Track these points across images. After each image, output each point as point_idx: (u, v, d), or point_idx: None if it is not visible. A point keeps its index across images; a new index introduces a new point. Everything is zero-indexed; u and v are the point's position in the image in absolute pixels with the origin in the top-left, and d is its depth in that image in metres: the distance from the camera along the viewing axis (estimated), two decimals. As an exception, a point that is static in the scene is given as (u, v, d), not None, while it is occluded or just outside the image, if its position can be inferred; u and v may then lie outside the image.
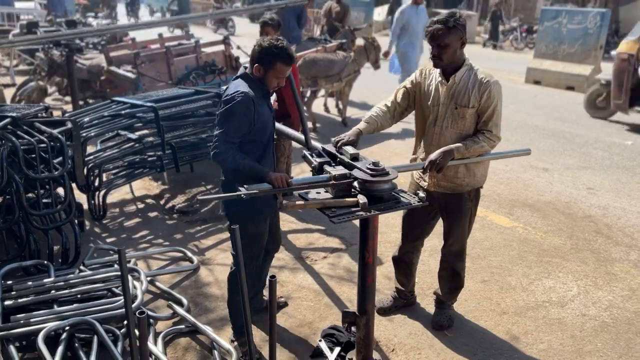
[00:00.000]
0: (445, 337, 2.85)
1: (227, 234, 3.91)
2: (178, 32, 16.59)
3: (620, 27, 17.41)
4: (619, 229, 4.23)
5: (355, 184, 2.32)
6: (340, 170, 2.39)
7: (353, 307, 2.52)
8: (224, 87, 3.05)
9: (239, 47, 6.41)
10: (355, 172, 2.31)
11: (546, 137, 6.94)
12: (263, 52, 2.49)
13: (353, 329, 2.57)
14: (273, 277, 1.73)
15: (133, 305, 2.71)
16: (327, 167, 2.50)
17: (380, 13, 23.65)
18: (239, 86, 2.50)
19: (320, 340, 2.74)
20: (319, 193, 2.36)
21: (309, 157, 2.60)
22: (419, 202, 2.33)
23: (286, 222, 4.17)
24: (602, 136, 7.03)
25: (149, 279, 3.18)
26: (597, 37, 9.97)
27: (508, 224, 4.32)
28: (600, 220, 4.39)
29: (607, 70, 10.53)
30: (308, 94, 6.95)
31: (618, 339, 2.88)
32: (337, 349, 2.65)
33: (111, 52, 6.32)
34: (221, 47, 6.43)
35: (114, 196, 4.54)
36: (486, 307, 3.15)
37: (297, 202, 2.22)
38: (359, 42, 7.44)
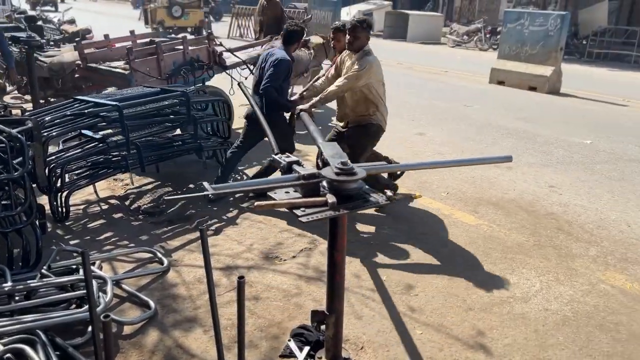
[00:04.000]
0: (413, 335, 2.89)
1: (195, 235, 3.87)
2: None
3: (579, 30, 17.99)
4: (579, 226, 4.37)
5: (324, 183, 2.33)
6: (309, 169, 2.40)
7: (322, 306, 2.53)
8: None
9: (221, 44, 6.58)
10: (324, 172, 2.32)
11: (509, 136, 7.11)
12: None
13: (322, 327, 2.58)
14: (241, 277, 1.72)
15: (97, 310, 2.65)
16: (295, 167, 2.51)
17: (348, 13, 23.78)
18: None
19: (289, 340, 2.74)
20: (288, 193, 2.37)
21: (277, 158, 2.61)
22: (386, 200, 2.36)
23: (255, 222, 4.15)
24: (563, 135, 7.25)
25: (115, 281, 3.12)
26: (557, 38, 10.28)
27: (473, 221, 4.41)
28: (561, 217, 4.52)
29: (566, 72, 10.89)
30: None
31: (579, 332, 2.97)
32: (307, 348, 2.66)
33: (85, 49, 6.17)
34: (205, 43, 6.45)
35: (77, 197, 4.43)
36: (453, 303, 3.20)
37: (266, 202, 2.22)
38: (317, 39, 7.72)
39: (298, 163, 2.52)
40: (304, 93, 4.52)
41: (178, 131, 5.18)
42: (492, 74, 11.43)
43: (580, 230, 4.29)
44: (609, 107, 9.51)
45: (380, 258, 3.71)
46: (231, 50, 6.91)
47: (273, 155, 2.61)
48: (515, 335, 2.92)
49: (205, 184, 2.15)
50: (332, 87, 4.18)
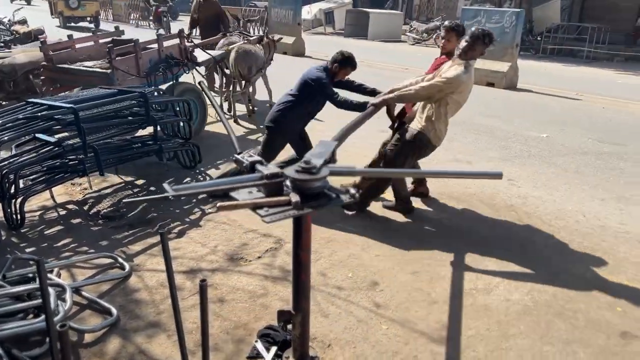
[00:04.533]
0: (379, 330, 2.91)
1: (157, 238, 3.79)
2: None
3: (534, 26, 18.50)
4: (537, 217, 4.49)
5: (287, 182, 2.32)
6: (272, 169, 2.38)
7: (289, 305, 2.52)
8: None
9: (192, 41, 6.67)
10: (287, 171, 2.31)
11: (469, 131, 7.25)
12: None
13: (289, 327, 2.57)
14: (203, 280, 1.69)
15: (55, 319, 2.57)
16: (259, 167, 2.49)
17: (309, 11, 23.78)
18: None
19: (256, 341, 2.72)
20: (251, 193, 2.34)
21: (240, 158, 2.58)
22: (350, 198, 2.36)
23: (219, 223, 4.10)
24: (521, 130, 7.44)
25: (74, 288, 3.03)
26: (513, 35, 10.53)
27: (436, 215, 4.49)
28: (520, 209, 4.64)
29: (523, 67, 11.19)
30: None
31: (539, 321, 3.06)
32: (274, 349, 2.64)
33: (51, 49, 5.98)
34: (176, 41, 6.42)
35: (32, 203, 4.28)
36: (417, 297, 3.25)
37: (229, 203, 2.18)
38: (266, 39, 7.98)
39: (261, 163, 2.49)
40: (393, 88, 4.24)
41: (143, 132, 5.07)
42: (451, 70, 11.62)
43: (539, 221, 4.42)
44: (564, 101, 9.82)
45: (346, 255, 3.72)
46: (203, 47, 6.97)
47: (235, 155, 2.58)
48: (479, 327, 2.98)
49: (166, 185, 2.11)
50: (412, 89, 3.96)
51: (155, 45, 6.08)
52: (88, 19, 22.06)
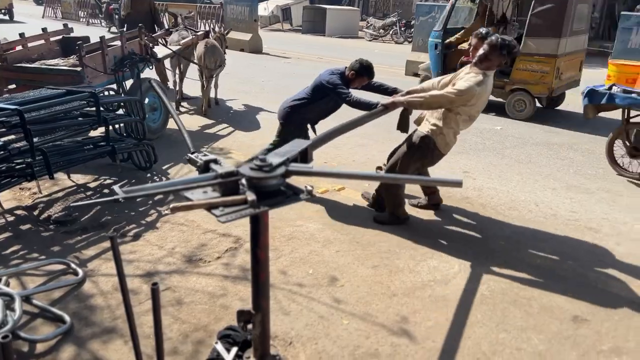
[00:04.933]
0: (340, 325, 2.92)
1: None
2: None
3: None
4: (492, 208, 4.61)
5: (243, 181, 2.29)
6: (227, 167, 2.35)
7: (249, 305, 2.50)
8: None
9: (151, 36, 6.72)
10: (242, 169, 2.28)
11: (426, 125, 7.35)
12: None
13: (249, 327, 2.55)
14: (155, 284, 1.65)
15: (4, 330, 2.47)
16: (213, 166, 2.45)
17: (266, 8, 23.63)
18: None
19: (216, 343, 2.68)
20: (206, 192, 2.30)
21: (193, 157, 2.53)
22: (307, 196, 2.36)
23: (176, 224, 4.02)
24: (475, 122, 7.59)
25: (24, 297, 2.91)
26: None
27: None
28: (476, 200, 4.75)
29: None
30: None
31: (495, 309, 3.14)
32: (234, 349, 2.61)
33: (5, 49, 5.73)
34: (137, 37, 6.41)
35: (-23, 210, 4.09)
36: (377, 291, 3.28)
37: (182, 204, 2.14)
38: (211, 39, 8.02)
39: (215, 161, 2.45)
40: (410, 90, 4.17)
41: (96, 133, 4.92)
42: (407, 66, 11.77)
43: (493, 212, 4.53)
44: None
45: (306, 252, 3.72)
46: (163, 42, 6.95)
47: (189, 154, 2.53)
48: (437, 317, 3.03)
49: (116, 187, 2.04)
50: (422, 98, 3.80)
51: (119, 42, 6.08)
52: (2, 11, 22.41)
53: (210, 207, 2.16)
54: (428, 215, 4.43)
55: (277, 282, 3.29)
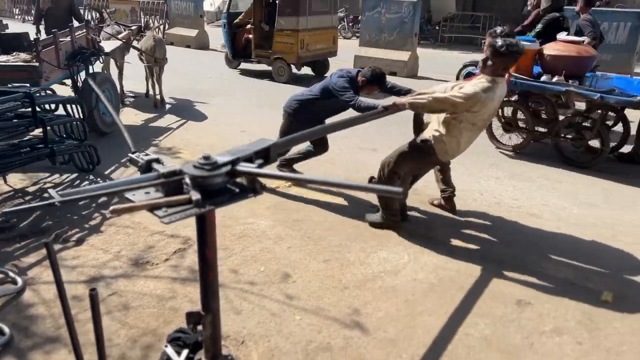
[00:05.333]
0: (292, 321, 2.92)
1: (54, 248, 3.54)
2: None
3: (432, 16, 19.33)
4: (439, 199, 4.70)
5: (187, 180, 2.24)
6: (169, 167, 2.29)
7: (199, 306, 2.46)
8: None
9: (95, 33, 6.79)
10: (185, 168, 2.23)
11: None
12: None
13: (199, 328, 2.51)
14: (93, 289, 1.60)
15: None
16: (155, 165, 2.38)
17: (212, 3, 23.19)
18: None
19: (165, 346, 2.61)
20: (148, 193, 2.24)
21: (134, 157, 2.46)
22: (252, 193, 2.33)
23: (122, 227, 3.91)
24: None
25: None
26: (411, 25, 10.94)
27: (344, 202, 4.57)
28: (423, 192, 4.84)
29: (423, 56, 11.66)
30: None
31: (444, 297, 3.22)
32: (185, 352, 2.56)
33: None
34: (84, 32, 6.39)
35: None
36: (329, 284, 3.30)
37: (122, 206, 2.07)
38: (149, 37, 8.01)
39: (158, 161, 2.39)
40: (421, 92, 3.96)
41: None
42: (355, 61, 11.84)
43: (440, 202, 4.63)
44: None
45: (258, 249, 3.70)
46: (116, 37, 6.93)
47: (130, 154, 2.45)
48: (388, 308, 3.08)
49: (51, 190, 1.95)
50: (425, 99, 3.59)
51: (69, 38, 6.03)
52: None
53: (152, 208, 2.10)
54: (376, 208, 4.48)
55: (228, 282, 3.25)
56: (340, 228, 4.07)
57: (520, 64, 5.55)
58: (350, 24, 20.55)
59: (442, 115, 3.68)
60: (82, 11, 9.39)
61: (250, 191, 2.36)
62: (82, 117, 4.83)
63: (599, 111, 5.59)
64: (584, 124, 5.68)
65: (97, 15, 9.15)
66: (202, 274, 2.36)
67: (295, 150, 4.79)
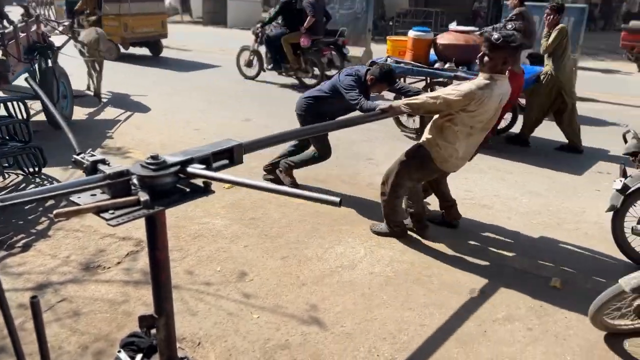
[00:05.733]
0: (250, 320, 2.90)
1: (-3, 255, 3.40)
2: None
3: (385, 12, 19.55)
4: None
5: (135, 180, 2.18)
6: (116, 167, 2.23)
7: (153, 309, 2.40)
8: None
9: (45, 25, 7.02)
10: (133, 168, 2.17)
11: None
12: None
13: (153, 331, 2.45)
14: (34, 297, 1.53)
15: None
16: (101, 166, 2.31)
17: (163, -1, 22.67)
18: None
19: (119, 351, 2.55)
20: (94, 195, 2.17)
21: (79, 158, 2.38)
22: (205, 193, 2.29)
23: (71, 231, 3.78)
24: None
25: None
26: (364, 21, 11.03)
27: (302, 200, 4.55)
28: (378, 186, 4.88)
29: (376, 51, 11.77)
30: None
31: (400, 289, 3.26)
32: (139, 356, 2.50)
33: None
34: (34, 26, 6.36)
35: None
36: (287, 282, 3.29)
37: (67, 209, 2.00)
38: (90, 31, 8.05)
39: (104, 162, 2.31)
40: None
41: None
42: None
43: (396, 196, 4.68)
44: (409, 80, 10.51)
45: (214, 249, 3.65)
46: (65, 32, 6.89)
47: (74, 156, 2.37)
48: (345, 302, 3.10)
49: (-12, 196, 1.87)
50: (419, 99, 3.43)
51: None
52: None
53: (99, 211, 2.03)
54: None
55: (183, 283, 3.20)
56: (298, 225, 4.07)
57: (417, 52, 6.33)
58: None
59: (437, 119, 3.49)
60: (30, 6, 9.15)
61: (202, 191, 2.32)
62: (26, 117, 4.62)
63: None
64: None
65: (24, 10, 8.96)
66: (154, 276, 2.31)
67: (300, 156, 4.72)
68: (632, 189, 3.52)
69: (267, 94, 9.06)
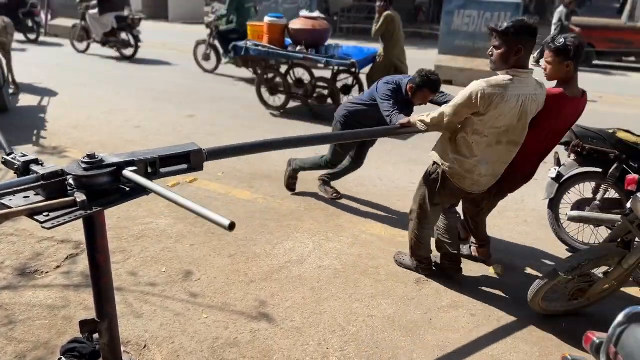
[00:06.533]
0: (198, 319, 2.86)
1: None
2: None
3: (330, 7, 19.60)
4: (341, 186, 4.80)
5: (71, 181, 2.10)
6: (50, 168, 2.13)
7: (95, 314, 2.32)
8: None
9: None
10: (68, 168, 2.08)
11: (277, 114, 7.41)
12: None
13: (95, 336, 2.37)
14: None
15: None
16: (34, 167, 2.21)
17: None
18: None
19: (60, 359, 2.45)
20: (28, 197, 2.07)
21: (9, 159, 2.26)
22: (145, 193, 2.23)
23: (4, 235, 3.59)
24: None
25: None
26: (309, 16, 11.01)
27: (250, 197, 4.53)
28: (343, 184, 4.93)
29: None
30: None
31: (348, 282, 3.30)
32: (82, 363, 2.42)
33: None
34: None
35: None
36: (235, 279, 3.26)
37: (-2, 212, 1.90)
38: None
39: (37, 162, 2.21)
40: None
41: None
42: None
43: (342, 189, 4.72)
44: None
45: (158, 250, 3.56)
46: None
47: (4, 156, 2.25)
48: (295, 297, 3.10)
49: None
50: (433, 113, 2.94)
51: None
52: None
53: (32, 214, 1.94)
54: (281, 199, 4.49)
55: (126, 285, 3.10)
56: (247, 222, 4.03)
57: (272, 36, 7.00)
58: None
59: (447, 133, 3.01)
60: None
61: (143, 190, 2.26)
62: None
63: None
64: (323, 85, 7.15)
65: None
66: (94, 279, 2.24)
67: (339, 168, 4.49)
68: (566, 177, 3.70)
69: (222, 88, 8.90)
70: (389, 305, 3.08)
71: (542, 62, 2.95)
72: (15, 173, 2.20)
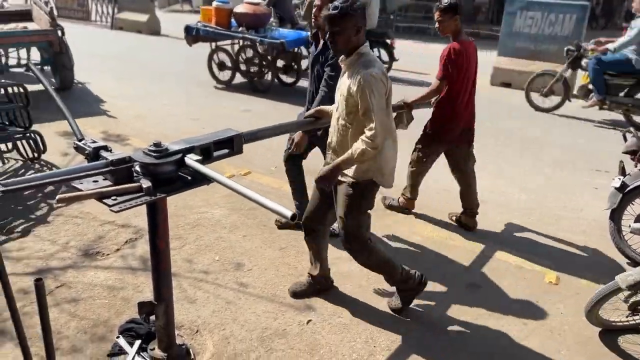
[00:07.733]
0: (248, 309, 2.92)
1: (-4, 240, 3.40)
2: None
3: (387, 5, 19.45)
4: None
5: (137, 167, 2.19)
6: (118, 154, 2.24)
7: (152, 296, 2.42)
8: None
9: None
10: (135, 155, 2.18)
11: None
12: None
13: (152, 318, 2.47)
14: (38, 279, 1.55)
15: None
16: (103, 153, 2.32)
17: (163, -13, 22.53)
18: None
19: (117, 337, 2.57)
20: (97, 182, 2.18)
21: (81, 145, 2.38)
22: (206, 182, 2.31)
23: (70, 217, 3.79)
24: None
25: None
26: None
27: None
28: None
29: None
30: None
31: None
32: (138, 342, 2.52)
33: None
34: None
35: None
36: (285, 272, 3.31)
37: (70, 194, 2.01)
38: None
39: (105, 148, 2.32)
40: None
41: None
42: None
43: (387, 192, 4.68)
44: (413, 76, 10.51)
45: (212, 238, 3.66)
46: None
47: (76, 142, 2.37)
48: (342, 293, 3.12)
49: (-9, 180, 1.87)
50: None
51: None
52: None
53: (101, 197, 2.05)
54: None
55: (182, 271, 3.21)
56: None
57: (219, 19, 8.00)
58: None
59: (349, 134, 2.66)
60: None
61: (204, 179, 2.33)
62: (26, 103, 4.60)
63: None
64: (262, 62, 8.17)
65: None
66: (154, 263, 2.33)
67: None
68: (631, 187, 3.54)
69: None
70: (437, 307, 3.05)
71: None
72: (85, 158, 2.32)
